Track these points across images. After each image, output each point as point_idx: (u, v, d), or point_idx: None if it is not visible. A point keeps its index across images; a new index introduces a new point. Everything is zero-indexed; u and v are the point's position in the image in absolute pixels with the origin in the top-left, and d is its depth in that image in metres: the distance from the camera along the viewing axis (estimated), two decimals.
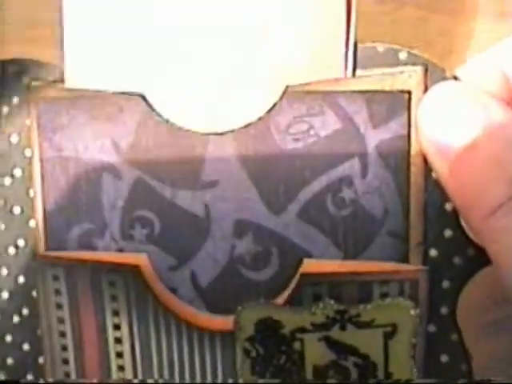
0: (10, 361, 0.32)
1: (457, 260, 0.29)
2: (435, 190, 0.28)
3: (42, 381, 0.33)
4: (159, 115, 0.29)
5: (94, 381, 0.31)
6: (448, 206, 0.28)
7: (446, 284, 0.29)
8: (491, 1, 0.31)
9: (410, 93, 0.28)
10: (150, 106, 0.29)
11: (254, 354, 0.29)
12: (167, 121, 0.29)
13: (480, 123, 0.26)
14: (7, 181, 0.31)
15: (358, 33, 0.28)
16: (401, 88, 0.28)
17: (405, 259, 0.29)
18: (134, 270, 0.29)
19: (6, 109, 0.31)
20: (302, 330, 0.29)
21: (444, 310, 0.29)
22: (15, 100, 0.30)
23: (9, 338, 0.32)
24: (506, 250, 0.25)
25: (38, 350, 0.32)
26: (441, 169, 0.27)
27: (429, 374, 0.29)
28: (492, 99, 0.26)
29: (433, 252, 0.29)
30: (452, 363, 0.29)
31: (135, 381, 0.31)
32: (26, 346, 0.32)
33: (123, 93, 0.29)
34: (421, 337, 0.29)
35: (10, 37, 0.34)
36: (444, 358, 0.29)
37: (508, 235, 0.25)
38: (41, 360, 0.32)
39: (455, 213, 0.28)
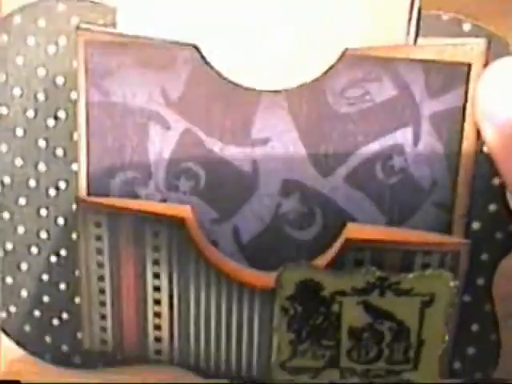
0: (45, 299, 0.33)
1: (498, 234, 0.29)
2: (485, 164, 0.28)
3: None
4: (212, 67, 0.29)
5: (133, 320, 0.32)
6: (496, 181, 0.28)
7: (484, 256, 0.29)
8: (491, 1, 0.30)
9: (470, 65, 0.28)
10: (203, 57, 0.29)
11: (292, 312, 0.30)
12: (220, 74, 0.29)
13: None
14: (50, 122, 0.31)
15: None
16: (461, 60, 0.28)
17: (448, 230, 0.29)
18: (179, 222, 0.29)
19: (52, 48, 0.30)
20: (342, 293, 0.29)
21: (480, 282, 0.29)
22: (62, 40, 0.30)
23: (45, 277, 0.32)
24: None
25: (74, 291, 0.32)
26: (494, 143, 0.26)
27: (459, 343, 0.30)
28: None
29: (475, 225, 0.29)
30: (482, 333, 0.30)
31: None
32: (62, 286, 0.32)
33: (177, 42, 0.29)
34: (456, 306, 0.29)
35: None
36: (475, 328, 0.30)
37: None
38: (77, 300, 0.32)
39: (502, 188, 0.28)
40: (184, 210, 0.30)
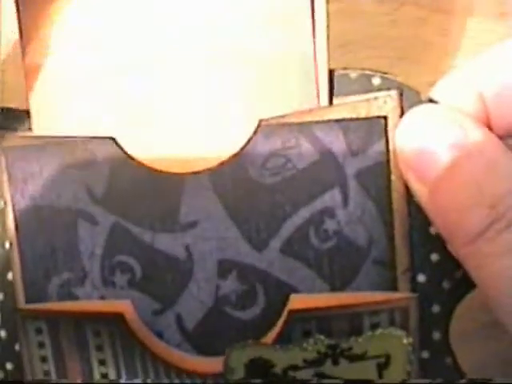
0: None
1: (445, 284, 0.28)
2: (418, 214, 0.28)
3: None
4: (133, 159, 0.29)
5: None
6: (433, 230, 0.28)
7: (436, 309, 0.28)
8: (490, 1, 0.30)
9: (386, 118, 0.27)
10: (122, 149, 0.29)
11: None
12: (140, 163, 0.29)
13: (458, 146, 0.25)
14: None
15: (331, 60, 0.28)
16: (377, 114, 0.27)
17: (393, 287, 0.28)
18: (118, 318, 0.29)
19: None
20: (294, 367, 0.28)
21: (436, 335, 0.29)
22: None
23: None
24: (490, 275, 0.25)
25: None
26: (421, 194, 0.26)
27: None
28: (469, 120, 0.26)
29: (421, 277, 0.28)
30: None
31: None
32: None
33: (94, 137, 0.29)
34: (415, 364, 0.28)
35: None
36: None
37: (492, 261, 0.25)
38: None
39: (440, 236, 0.28)
40: (123, 305, 0.29)
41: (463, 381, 0.29)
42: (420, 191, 0.26)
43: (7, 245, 0.30)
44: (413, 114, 0.26)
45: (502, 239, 0.24)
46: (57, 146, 0.29)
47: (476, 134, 0.25)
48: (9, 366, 0.31)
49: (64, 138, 0.29)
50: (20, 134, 0.29)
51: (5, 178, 0.29)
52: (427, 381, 0.29)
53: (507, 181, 0.25)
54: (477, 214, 0.24)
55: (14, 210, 0.30)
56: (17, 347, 0.31)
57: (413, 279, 0.28)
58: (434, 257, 0.28)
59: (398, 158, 0.27)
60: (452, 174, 0.25)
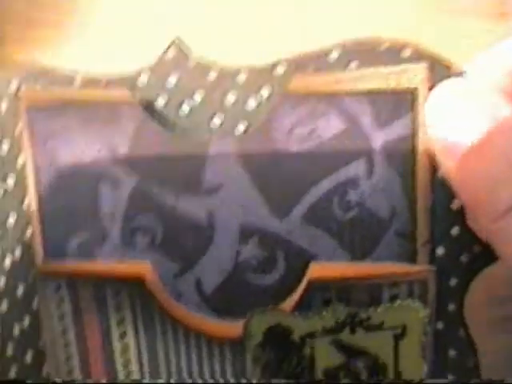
0: (12, 373, 0.32)
1: (464, 258, 0.28)
2: (441, 188, 0.28)
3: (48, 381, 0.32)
4: (158, 121, 0.28)
5: (103, 381, 0.31)
6: (454, 205, 0.28)
7: (453, 282, 0.29)
8: (490, 1, 0.30)
9: (415, 91, 0.27)
10: (147, 109, 0.28)
11: (264, 360, 0.29)
12: (166, 126, 0.28)
13: (489, 121, 0.25)
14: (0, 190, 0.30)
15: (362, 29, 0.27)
16: (406, 86, 0.27)
17: (412, 258, 0.29)
18: (138, 280, 0.29)
19: None
20: (312, 335, 0.28)
21: (451, 307, 0.29)
22: (3, 106, 0.29)
23: (10, 350, 0.31)
24: None
25: (40, 361, 0.31)
26: (448, 168, 0.26)
27: (437, 370, 0.30)
28: (501, 96, 0.26)
29: (440, 250, 0.28)
30: (460, 358, 0.30)
31: (144, 381, 0.31)
32: (28, 358, 0.31)
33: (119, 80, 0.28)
34: (429, 334, 0.29)
35: (9, 37, 0.33)
36: (452, 354, 0.29)
37: None
38: (44, 371, 0.31)
39: (461, 211, 0.28)
40: (142, 267, 0.29)
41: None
42: (448, 166, 0.26)
43: (26, 202, 0.30)
44: (443, 87, 0.26)
45: None
46: (81, 104, 0.29)
47: (507, 110, 0.25)
48: (25, 323, 0.31)
49: (89, 97, 0.28)
50: (43, 91, 0.29)
51: (26, 136, 0.29)
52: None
53: None
54: (507, 190, 0.24)
55: (34, 169, 0.29)
56: (34, 305, 0.31)
57: (432, 252, 0.28)
58: (455, 231, 0.28)
59: (426, 130, 0.27)
60: (482, 150, 0.25)
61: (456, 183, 0.26)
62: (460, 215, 0.28)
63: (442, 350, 0.29)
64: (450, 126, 0.26)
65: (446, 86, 0.26)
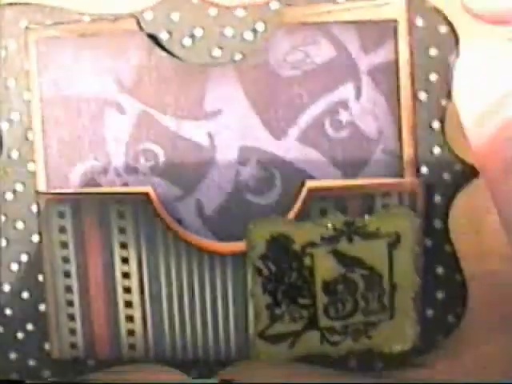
0: (8, 311, 0.31)
1: (445, 175, 0.31)
2: (424, 111, 0.30)
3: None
4: (162, 49, 0.31)
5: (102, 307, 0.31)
6: (435, 125, 0.31)
7: (437, 198, 0.31)
8: None
9: (396, 21, 0.31)
10: (151, 40, 0.30)
11: (266, 272, 0.30)
12: (170, 54, 0.31)
13: None
14: (4, 126, 0.31)
15: None
16: (387, 18, 0.31)
17: (400, 176, 0.31)
18: (143, 198, 0.30)
19: (2, 53, 0.31)
20: (312, 244, 0.30)
21: (437, 223, 0.31)
22: (12, 44, 0.31)
23: (7, 288, 0.31)
24: None
25: (38, 298, 0.31)
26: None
27: (427, 288, 0.31)
28: None
29: (424, 169, 0.31)
30: (447, 275, 0.31)
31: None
32: (25, 294, 0.31)
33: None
34: (422, 246, 0.30)
35: None
36: (440, 271, 0.31)
37: None
38: (42, 308, 0.31)
39: (442, 131, 0.31)
40: (146, 189, 0.30)
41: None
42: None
43: (30, 136, 0.31)
44: None
45: None
46: (88, 37, 0.31)
47: None
48: (24, 257, 0.31)
49: (96, 30, 0.31)
50: (51, 26, 0.31)
51: (34, 68, 0.31)
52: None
53: None
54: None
55: (41, 101, 0.31)
56: (33, 238, 0.31)
57: (417, 171, 0.31)
58: (436, 150, 0.31)
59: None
60: None
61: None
62: (441, 135, 0.31)
63: (430, 268, 0.31)
64: None
65: None
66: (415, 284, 0.30)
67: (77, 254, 0.31)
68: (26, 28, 0.31)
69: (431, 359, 0.32)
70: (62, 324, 0.31)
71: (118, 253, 0.30)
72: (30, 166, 0.31)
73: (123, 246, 0.30)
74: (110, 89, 0.31)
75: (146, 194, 0.30)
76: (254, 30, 0.31)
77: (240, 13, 0.31)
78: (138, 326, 0.31)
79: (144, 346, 0.31)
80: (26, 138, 0.31)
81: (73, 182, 0.31)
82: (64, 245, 0.31)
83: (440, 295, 0.31)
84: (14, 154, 0.31)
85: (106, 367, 0.32)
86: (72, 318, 0.31)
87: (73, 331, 0.31)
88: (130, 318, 0.31)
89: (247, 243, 0.30)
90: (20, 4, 0.31)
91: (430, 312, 0.31)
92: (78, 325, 0.31)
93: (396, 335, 0.31)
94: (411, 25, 0.30)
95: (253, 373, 0.32)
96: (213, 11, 0.31)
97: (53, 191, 0.31)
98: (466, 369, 0.32)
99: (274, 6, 0.31)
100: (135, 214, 0.30)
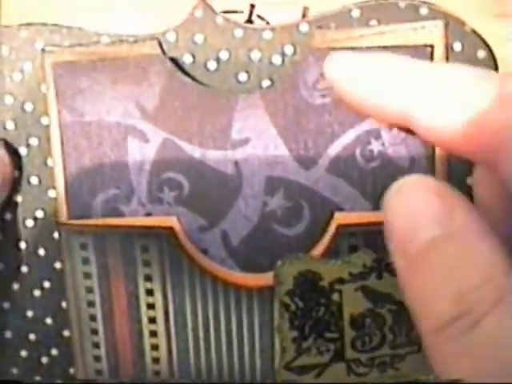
0: (32, 336, 0.31)
1: None
2: None
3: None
4: (186, 75, 0.29)
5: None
6: None
7: None
8: (490, 1, 0.32)
9: (432, 47, 0.29)
10: (175, 65, 0.29)
11: (293, 308, 0.29)
12: (195, 79, 0.29)
13: (440, 224, 0.22)
14: (23, 151, 0.30)
15: None
16: (423, 42, 0.29)
17: None
18: (168, 232, 0.29)
19: (18, 76, 0.30)
20: (341, 280, 0.29)
21: None
22: (28, 66, 0.30)
23: (30, 313, 0.31)
24: (447, 373, 0.22)
25: (62, 324, 0.31)
26: (399, 267, 0.23)
27: None
28: (458, 197, 0.23)
29: None
30: None
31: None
32: (49, 320, 0.31)
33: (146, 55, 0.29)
34: None
35: None
36: None
37: (451, 361, 0.22)
38: (66, 333, 0.31)
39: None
40: (170, 221, 0.30)
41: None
42: (399, 264, 0.23)
43: (50, 162, 0.30)
44: (403, 184, 0.24)
45: (464, 339, 0.21)
46: (108, 61, 0.29)
47: (461, 215, 0.22)
48: (46, 284, 0.31)
49: (116, 54, 0.29)
50: (69, 49, 0.29)
51: (52, 93, 0.30)
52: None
53: (479, 272, 0.21)
54: (441, 305, 0.22)
55: (60, 126, 0.30)
56: (56, 265, 0.31)
57: None
58: (469, 180, 0.30)
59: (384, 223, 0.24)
60: (428, 254, 0.22)
61: (402, 284, 0.24)
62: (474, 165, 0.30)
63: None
64: (403, 225, 0.23)
65: (405, 184, 0.24)
66: None
67: (101, 284, 0.30)
68: (43, 50, 0.29)
69: None
70: (87, 351, 0.31)
71: (142, 285, 0.30)
72: (51, 193, 0.30)
73: (148, 278, 0.30)
74: (132, 115, 0.30)
75: (170, 228, 0.29)
76: (283, 54, 0.29)
77: (267, 35, 0.29)
78: (162, 354, 0.31)
79: (168, 372, 0.31)
80: (46, 164, 0.30)
81: (95, 212, 0.30)
82: (87, 275, 0.30)
83: None
84: (34, 180, 0.30)
85: None
86: (97, 345, 0.31)
87: (97, 358, 0.31)
88: (154, 347, 0.31)
89: (275, 279, 0.29)
90: (36, 24, 0.30)
91: None
92: (102, 352, 0.31)
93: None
94: (448, 49, 0.29)
95: None
96: (238, 33, 0.29)
97: (74, 221, 0.30)
98: None
99: (304, 28, 0.29)
100: (160, 247, 0.29)
